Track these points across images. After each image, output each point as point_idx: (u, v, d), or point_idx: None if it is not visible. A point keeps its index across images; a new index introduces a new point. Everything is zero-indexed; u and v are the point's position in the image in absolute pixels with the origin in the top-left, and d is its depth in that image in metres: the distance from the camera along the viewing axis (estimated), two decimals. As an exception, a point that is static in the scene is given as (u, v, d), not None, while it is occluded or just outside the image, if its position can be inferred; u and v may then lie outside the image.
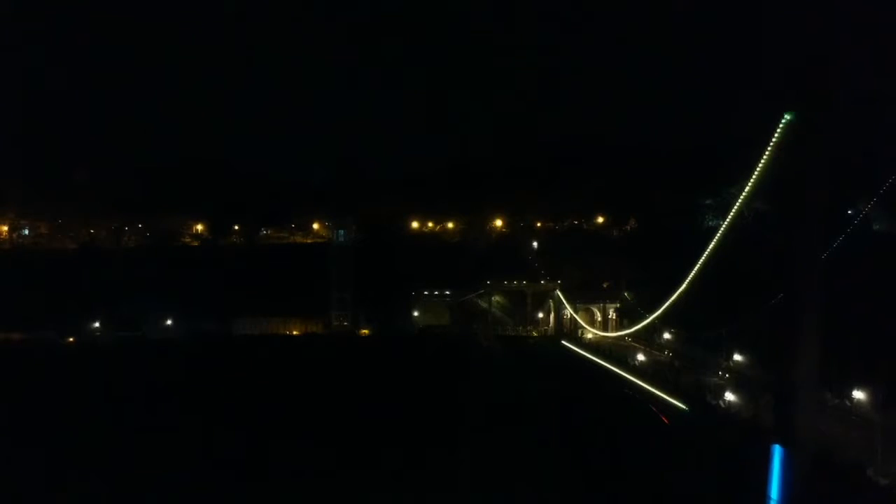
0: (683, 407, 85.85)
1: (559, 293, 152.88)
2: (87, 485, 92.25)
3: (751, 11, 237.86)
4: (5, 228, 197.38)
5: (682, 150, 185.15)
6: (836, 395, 78.93)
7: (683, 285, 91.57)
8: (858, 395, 75.46)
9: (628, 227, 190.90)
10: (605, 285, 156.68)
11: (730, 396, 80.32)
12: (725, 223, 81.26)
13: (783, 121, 63.14)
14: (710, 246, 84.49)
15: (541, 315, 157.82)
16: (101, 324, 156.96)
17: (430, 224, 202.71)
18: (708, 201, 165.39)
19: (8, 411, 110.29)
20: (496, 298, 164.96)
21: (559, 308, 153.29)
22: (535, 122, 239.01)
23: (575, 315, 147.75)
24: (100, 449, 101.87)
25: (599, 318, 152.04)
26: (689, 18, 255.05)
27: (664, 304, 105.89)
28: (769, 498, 60.79)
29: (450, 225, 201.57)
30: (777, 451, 60.59)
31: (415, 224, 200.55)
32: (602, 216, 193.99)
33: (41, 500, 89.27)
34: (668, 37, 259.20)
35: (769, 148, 65.99)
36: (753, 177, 68.05)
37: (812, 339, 58.86)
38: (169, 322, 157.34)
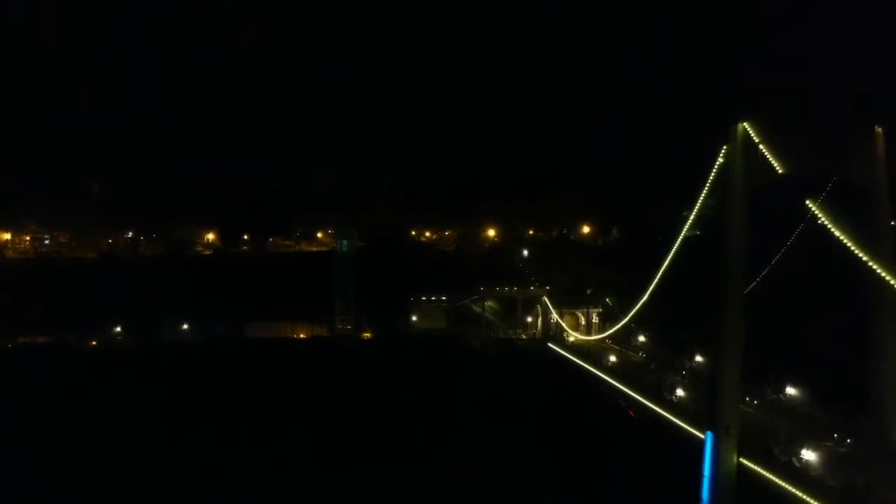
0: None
1: (546, 299, 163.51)
2: (107, 478, 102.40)
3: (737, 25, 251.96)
4: (27, 238, 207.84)
5: (664, 162, 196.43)
6: (773, 391, 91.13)
7: (646, 295, 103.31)
8: (790, 390, 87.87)
9: (612, 237, 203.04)
10: (588, 291, 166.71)
11: (680, 392, 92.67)
12: (679, 237, 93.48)
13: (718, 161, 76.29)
14: (668, 257, 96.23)
15: (530, 319, 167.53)
16: (121, 328, 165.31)
17: (428, 233, 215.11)
18: (685, 213, 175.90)
19: (36, 410, 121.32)
20: (489, 303, 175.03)
21: (546, 312, 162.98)
22: (527, 135, 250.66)
23: (560, 320, 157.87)
24: (121, 443, 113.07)
25: (583, 322, 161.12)
26: (676, 28, 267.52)
27: (637, 309, 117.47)
28: (703, 475, 73.57)
29: (446, 233, 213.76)
30: (709, 437, 73.33)
31: (413, 233, 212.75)
32: (588, 226, 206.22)
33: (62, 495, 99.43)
34: (656, 47, 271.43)
35: (707, 184, 79.17)
36: (696, 207, 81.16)
37: (736, 344, 71.41)
38: (185, 326, 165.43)
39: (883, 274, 57.92)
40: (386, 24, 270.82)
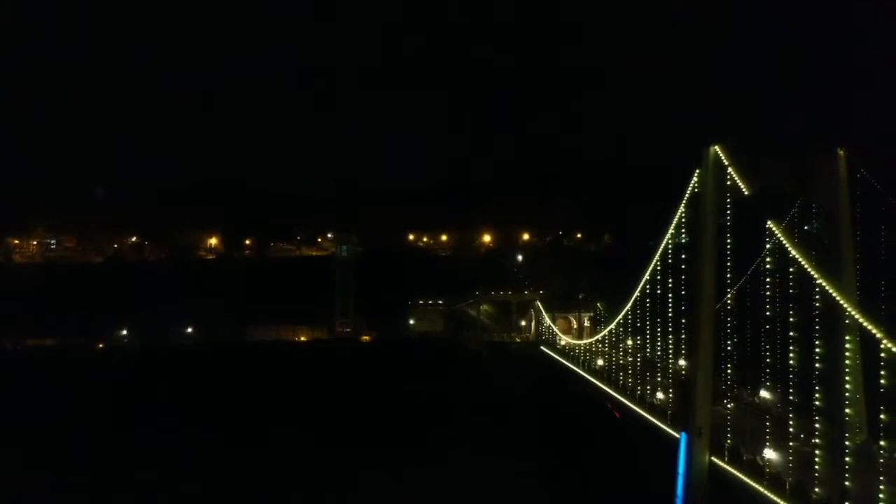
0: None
1: (539, 303, 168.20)
2: (110, 478, 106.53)
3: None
4: (35, 243, 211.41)
5: (656, 169, 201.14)
6: (750, 395, 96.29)
7: (629, 302, 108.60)
8: (764, 394, 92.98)
9: (604, 243, 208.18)
10: (580, 296, 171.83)
11: (659, 395, 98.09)
12: (660, 247, 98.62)
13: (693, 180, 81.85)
14: (651, 264, 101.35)
15: (524, 323, 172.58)
16: (127, 331, 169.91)
17: (425, 238, 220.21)
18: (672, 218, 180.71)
19: (44, 409, 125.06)
20: (484, 307, 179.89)
21: (540, 316, 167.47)
22: (523, 143, 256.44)
23: (552, 324, 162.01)
24: (125, 444, 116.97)
25: (575, 326, 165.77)
26: (669, 37, 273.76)
27: (622, 316, 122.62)
28: (677, 472, 79.11)
29: (443, 238, 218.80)
30: (683, 437, 78.80)
31: (411, 238, 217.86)
32: (581, 232, 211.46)
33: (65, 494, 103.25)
34: (653, 52, 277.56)
35: (683, 201, 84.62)
36: (673, 222, 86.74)
37: (707, 353, 76.82)
38: (189, 329, 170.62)
39: (833, 292, 63.00)
40: (385, 27, 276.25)
